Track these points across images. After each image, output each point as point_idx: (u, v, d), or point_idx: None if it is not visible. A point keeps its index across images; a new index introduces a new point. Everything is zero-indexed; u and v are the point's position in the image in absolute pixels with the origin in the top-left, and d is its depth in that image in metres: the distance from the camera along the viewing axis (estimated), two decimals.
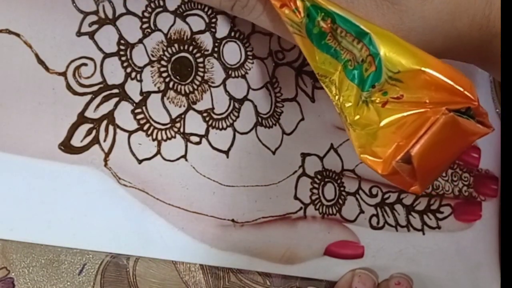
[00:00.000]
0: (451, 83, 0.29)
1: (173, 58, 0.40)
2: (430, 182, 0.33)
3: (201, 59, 0.41)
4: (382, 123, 0.31)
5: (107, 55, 0.38)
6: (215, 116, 0.42)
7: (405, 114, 0.30)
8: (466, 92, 0.29)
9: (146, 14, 0.39)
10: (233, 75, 0.43)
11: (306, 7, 0.33)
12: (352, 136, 0.32)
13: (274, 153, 0.45)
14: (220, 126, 0.42)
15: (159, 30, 0.39)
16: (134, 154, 0.39)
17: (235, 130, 0.43)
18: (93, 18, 0.37)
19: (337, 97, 0.34)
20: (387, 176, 0.30)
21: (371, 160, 0.31)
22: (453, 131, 0.29)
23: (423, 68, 0.29)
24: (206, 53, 0.41)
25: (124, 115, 0.38)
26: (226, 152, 0.43)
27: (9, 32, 0.35)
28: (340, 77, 0.34)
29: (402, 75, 0.30)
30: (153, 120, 0.39)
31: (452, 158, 0.32)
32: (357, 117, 0.32)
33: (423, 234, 0.52)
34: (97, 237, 0.38)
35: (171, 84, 0.40)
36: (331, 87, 0.34)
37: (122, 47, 0.38)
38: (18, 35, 0.35)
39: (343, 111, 0.33)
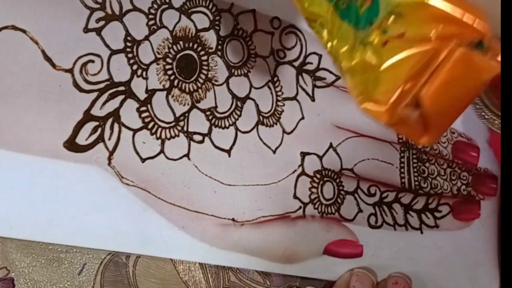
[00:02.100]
0: (459, 14, 0.25)
1: (178, 56, 0.40)
2: (442, 131, 0.29)
3: (205, 57, 0.41)
4: (383, 66, 0.27)
5: (114, 52, 0.37)
6: (218, 115, 0.42)
7: (409, 52, 0.26)
8: (476, 25, 0.25)
9: (152, 11, 0.39)
10: (236, 73, 0.42)
11: None
12: (349, 84, 0.29)
13: (274, 152, 0.45)
14: (223, 125, 0.42)
15: (165, 27, 0.39)
16: (138, 153, 0.39)
17: (237, 129, 0.43)
18: (100, 14, 0.37)
19: (329, 43, 0.30)
20: (393, 126, 0.27)
21: (373, 109, 0.27)
22: (466, 67, 0.26)
23: (426, 0, 0.26)
24: (210, 51, 0.41)
25: (130, 113, 0.38)
26: (228, 151, 0.43)
27: (15, 28, 0.34)
28: (332, 19, 0.30)
29: (402, 9, 0.26)
30: (157, 118, 0.39)
31: (466, 101, 0.28)
32: (354, 61, 0.28)
33: (421, 233, 0.53)
34: (97, 235, 0.38)
35: (175, 82, 0.40)
36: (322, 32, 0.30)
37: (128, 44, 0.38)
38: (24, 31, 0.34)
39: (337, 57, 0.29)
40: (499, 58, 0.26)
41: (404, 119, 0.26)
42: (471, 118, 0.55)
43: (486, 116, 0.49)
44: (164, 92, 0.39)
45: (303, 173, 0.46)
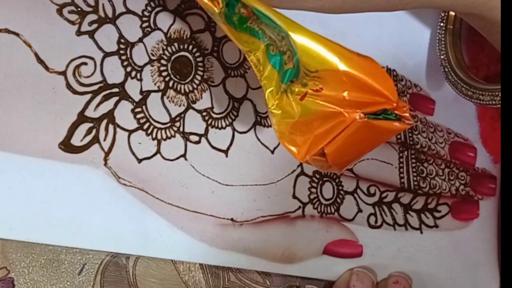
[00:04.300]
0: (371, 82, 0.29)
1: (173, 57, 0.40)
2: (345, 168, 0.34)
3: (200, 58, 0.41)
4: (300, 117, 0.31)
5: (107, 54, 0.37)
6: (214, 116, 0.42)
7: (323, 109, 0.30)
8: (385, 92, 0.29)
9: (146, 13, 0.39)
10: (232, 74, 0.43)
11: None
12: (272, 120, 0.33)
13: (272, 152, 0.45)
14: (219, 126, 0.42)
15: (159, 29, 0.39)
16: (134, 153, 0.39)
17: (234, 129, 0.43)
18: (93, 17, 0.37)
19: (259, 75, 0.33)
20: (306, 163, 0.32)
21: (290, 149, 0.32)
22: (368, 132, 0.30)
23: (341, 68, 0.29)
24: (205, 52, 0.41)
25: (124, 114, 0.38)
26: (225, 152, 0.43)
27: (8, 31, 0.34)
28: (263, 57, 0.33)
29: (320, 73, 0.30)
30: (153, 119, 0.39)
31: (369, 150, 0.32)
32: (276, 104, 0.32)
33: (421, 233, 0.53)
34: (97, 236, 0.38)
35: (171, 83, 0.40)
36: (256, 62, 0.34)
37: (122, 46, 0.38)
38: (17, 34, 0.35)
39: (264, 94, 0.33)
40: (405, 119, 0.30)
41: (313, 162, 0.31)
42: (467, 116, 0.55)
43: (452, 79, 0.49)
44: (159, 93, 0.40)
45: (302, 173, 0.47)
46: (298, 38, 0.29)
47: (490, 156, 0.58)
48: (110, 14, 0.38)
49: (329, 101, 0.30)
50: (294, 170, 0.46)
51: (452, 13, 0.49)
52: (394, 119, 0.30)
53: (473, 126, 0.56)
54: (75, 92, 0.37)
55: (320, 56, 0.29)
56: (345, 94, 0.29)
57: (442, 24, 0.50)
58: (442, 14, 0.50)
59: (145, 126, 0.39)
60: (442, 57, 0.50)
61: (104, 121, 0.38)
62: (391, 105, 0.29)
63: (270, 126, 0.45)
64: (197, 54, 0.41)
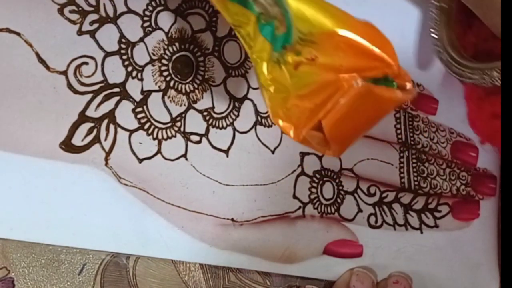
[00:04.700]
0: (369, 46, 0.27)
1: (174, 57, 0.40)
2: (345, 148, 0.30)
3: (201, 58, 0.41)
4: (294, 88, 0.29)
5: (108, 54, 0.37)
6: (215, 115, 0.42)
7: (318, 79, 0.28)
8: (384, 56, 0.27)
9: (147, 13, 0.39)
10: (233, 74, 0.43)
11: None
12: (265, 97, 0.31)
13: (273, 152, 0.45)
14: (220, 125, 0.42)
15: (160, 28, 0.39)
16: (134, 153, 0.39)
17: (235, 129, 0.43)
18: (94, 16, 0.37)
19: (250, 50, 0.31)
20: (301, 142, 0.29)
21: (283, 126, 0.29)
22: (368, 100, 0.28)
23: (337, 30, 0.27)
24: (206, 52, 0.41)
25: (125, 114, 0.38)
26: (226, 151, 0.43)
27: (9, 31, 0.34)
28: (254, 29, 0.31)
29: (315, 37, 0.28)
30: (153, 119, 0.39)
31: (369, 125, 0.30)
32: (269, 77, 0.30)
33: (421, 233, 0.53)
34: (97, 236, 0.38)
35: (171, 83, 0.40)
36: (246, 38, 0.31)
37: (123, 46, 0.38)
38: (18, 34, 0.35)
39: (256, 69, 0.31)
40: (408, 86, 0.28)
41: (310, 137, 0.29)
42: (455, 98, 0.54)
43: (443, 57, 0.48)
44: (160, 93, 0.40)
45: (302, 173, 0.46)
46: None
47: (477, 137, 0.57)
48: (111, 14, 0.38)
49: (325, 69, 0.28)
50: (295, 170, 0.46)
51: None
52: (395, 88, 0.28)
53: (460, 107, 0.55)
54: (76, 91, 0.36)
55: (315, 18, 0.27)
56: (342, 61, 0.27)
57: (435, 1, 0.49)
58: None
59: (146, 126, 0.39)
60: (434, 34, 0.49)
61: (105, 121, 0.38)
62: (392, 70, 0.27)
63: (271, 126, 0.45)
64: (198, 53, 0.41)
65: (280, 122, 0.29)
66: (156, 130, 0.40)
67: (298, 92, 0.29)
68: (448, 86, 0.54)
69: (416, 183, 0.53)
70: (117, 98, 0.38)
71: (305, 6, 0.27)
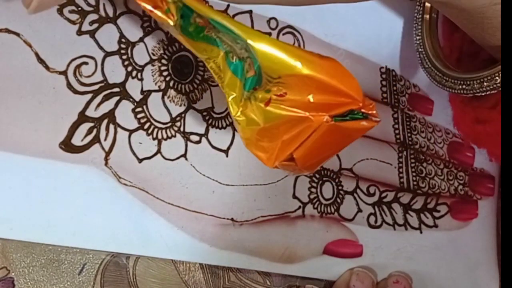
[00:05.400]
0: (334, 83, 0.29)
1: (173, 57, 0.40)
2: (316, 168, 0.34)
3: None
4: (265, 124, 0.30)
5: (108, 54, 0.37)
6: (215, 115, 0.42)
7: (288, 114, 0.30)
8: (350, 92, 0.29)
9: (146, 13, 0.39)
10: None
11: (179, 8, 0.32)
12: (237, 128, 0.32)
13: None
14: (220, 125, 0.42)
15: (160, 28, 0.39)
16: (134, 153, 0.39)
17: (234, 129, 0.43)
18: (94, 16, 0.37)
19: (220, 82, 0.33)
20: (276, 168, 0.31)
21: (258, 155, 0.32)
22: (336, 133, 0.30)
23: (304, 72, 0.28)
24: None
25: (125, 114, 0.38)
26: (226, 151, 0.43)
27: (9, 31, 0.34)
28: (223, 63, 0.33)
29: (283, 79, 0.29)
30: (153, 119, 0.39)
31: (339, 150, 0.32)
32: (240, 111, 0.32)
33: (421, 232, 0.53)
34: (97, 236, 0.38)
35: (171, 83, 0.40)
36: (216, 69, 0.33)
37: (123, 46, 0.38)
38: (17, 34, 0.35)
39: (227, 102, 0.32)
40: (373, 117, 0.30)
41: (283, 167, 0.31)
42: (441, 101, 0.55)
43: (426, 66, 0.49)
44: (160, 93, 0.40)
45: None
46: (258, 45, 0.29)
47: (465, 140, 0.57)
48: (110, 14, 0.38)
49: (294, 105, 0.30)
50: None
51: (428, 4, 0.50)
52: (361, 118, 0.30)
53: (446, 108, 0.55)
54: (75, 91, 0.36)
55: (282, 62, 0.29)
56: (310, 97, 0.29)
57: (418, 15, 0.50)
58: (418, 6, 0.51)
59: (146, 126, 0.39)
60: (417, 43, 0.50)
61: (105, 121, 0.38)
62: (357, 105, 0.29)
63: None
64: None
65: (255, 152, 0.32)
66: (156, 130, 0.40)
67: (269, 126, 0.30)
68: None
69: (415, 183, 0.53)
70: (117, 98, 0.38)
71: (270, 51, 0.29)
